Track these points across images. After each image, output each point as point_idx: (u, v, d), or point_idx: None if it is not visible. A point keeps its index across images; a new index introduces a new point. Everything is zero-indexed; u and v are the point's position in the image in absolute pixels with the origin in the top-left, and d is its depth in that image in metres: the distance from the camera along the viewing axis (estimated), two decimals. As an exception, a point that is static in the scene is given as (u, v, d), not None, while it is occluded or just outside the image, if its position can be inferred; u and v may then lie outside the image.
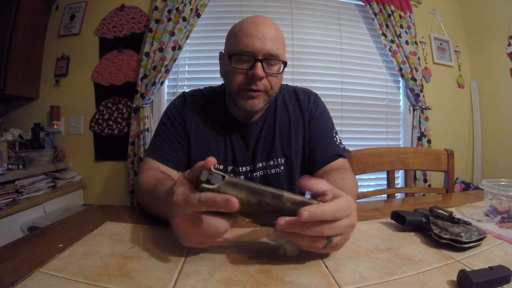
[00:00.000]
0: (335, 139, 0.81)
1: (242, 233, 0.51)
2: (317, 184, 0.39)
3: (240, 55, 0.66)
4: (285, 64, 0.70)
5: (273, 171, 0.78)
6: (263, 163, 0.78)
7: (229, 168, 0.78)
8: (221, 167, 0.77)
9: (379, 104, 2.05)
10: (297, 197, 0.36)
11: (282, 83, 0.89)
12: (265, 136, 0.79)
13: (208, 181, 0.35)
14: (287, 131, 0.80)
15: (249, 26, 0.67)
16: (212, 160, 0.37)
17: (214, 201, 0.34)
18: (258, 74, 0.65)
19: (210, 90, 0.85)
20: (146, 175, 0.66)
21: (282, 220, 0.35)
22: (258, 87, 0.68)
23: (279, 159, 0.79)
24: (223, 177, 0.35)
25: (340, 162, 0.77)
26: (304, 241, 0.38)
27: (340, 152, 0.78)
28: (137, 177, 0.74)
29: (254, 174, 0.78)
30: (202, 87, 0.87)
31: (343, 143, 0.83)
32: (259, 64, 0.65)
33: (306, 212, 0.34)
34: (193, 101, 0.81)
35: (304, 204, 0.36)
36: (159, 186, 0.53)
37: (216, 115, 0.80)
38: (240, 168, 0.78)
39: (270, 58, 0.67)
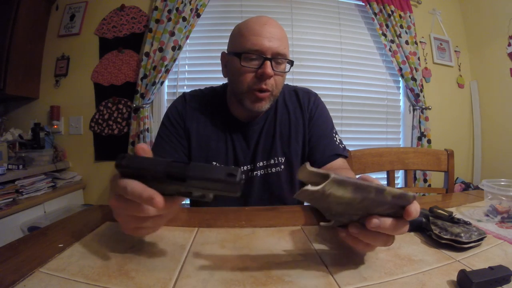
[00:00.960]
0: (335, 138, 0.81)
1: (242, 233, 0.51)
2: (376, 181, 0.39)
3: (248, 54, 0.67)
4: (291, 63, 0.72)
5: (273, 170, 0.78)
6: (264, 162, 0.79)
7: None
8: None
9: (379, 104, 2.05)
10: (397, 191, 0.35)
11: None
12: (265, 136, 0.79)
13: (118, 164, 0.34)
14: (287, 131, 0.80)
15: (256, 26, 0.68)
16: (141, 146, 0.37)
17: (139, 195, 0.32)
18: (268, 73, 0.66)
19: (211, 90, 0.86)
20: None
21: (377, 220, 0.35)
22: (267, 86, 0.68)
23: (279, 158, 0.79)
24: (326, 175, 0.31)
25: (339, 161, 0.77)
26: (379, 240, 0.37)
27: (340, 152, 0.79)
28: None
29: (254, 173, 0.78)
30: (202, 87, 0.87)
31: (343, 143, 0.83)
32: (268, 63, 0.66)
33: (414, 212, 0.35)
34: (194, 101, 0.81)
35: (401, 197, 0.35)
36: None
37: (217, 115, 0.80)
38: (241, 167, 0.78)
39: (277, 57, 0.68)
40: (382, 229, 0.36)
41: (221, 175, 0.32)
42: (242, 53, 0.67)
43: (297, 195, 0.32)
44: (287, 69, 0.72)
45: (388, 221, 0.36)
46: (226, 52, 0.76)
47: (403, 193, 0.35)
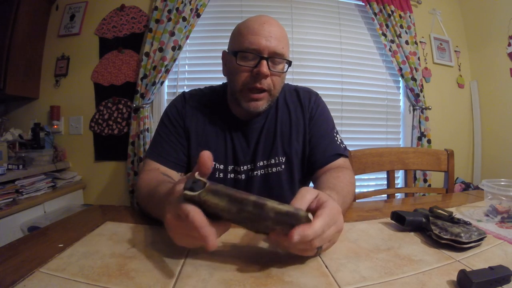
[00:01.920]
0: (336, 138, 0.81)
1: (242, 234, 0.51)
2: (302, 200, 0.40)
3: (245, 53, 0.67)
4: (289, 63, 0.71)
5: (274, 169, 0.78)
6: (264, 161, 0.78)
7: (230, 167, 0.78)
8: (222, 166, 0.77)
9: (379, 104, 2.04)
10: (282, 207, 0.34)
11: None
12: (266, 135, 0.79)
13: (191, 189, 0.34)
14: (288, 130, 0.80)
15: (255, 25, 0.67)
16: (206, 154, 0.36)
17: (195, 228, 0.33)
18: (263, 72, 0.65)
19: (211, 89, 0.86)
20: (145, 176, 0.66)
21: (273, 236, 0.38)
22: (262, 85, 0.68)
23: (280, 158, 0.79)
24: (205, 183, 0.34)
25: (340, 161, 0.77)
26: (295, 251, 0.39)
27: (340, 152, 0.78)
28: (137, 178, 0.74)
29: (255, 172, 0.78)
30: (202, 87, 0.87)
31: (344, 143, 0.83)
32: (264, 62, 0.66)
33: (297, 236, 0.34)
34: (193, 100, 0.81)
35: (288, 215, 0.34)
36: (159, 188, 0.53)
37: (217, 114, 0.80)
38: (241, 167, 0.78)
39: (275, 57, 0.67)
40: (281, 243, 0.38)
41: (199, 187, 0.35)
42: (239, 51, 0.67)
43: (180, 198, 0.34)
44: (285, 69, 0.71)
45: (280, 237, 0.37)
46: (227, 51, 0.76)
47: (291, 212, 0.34)
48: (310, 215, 0.36)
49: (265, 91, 0.69)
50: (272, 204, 0.34)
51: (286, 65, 0.71)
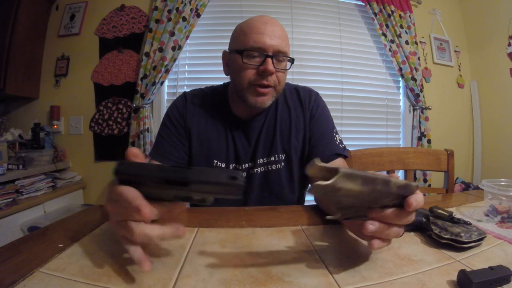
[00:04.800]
0: (335, 138, 0.81)
1: (242, 233, 0.51)
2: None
3: (250, 51, 0.68)
4: (292, 60, 0.74)
5: (273, 167, 0.79)
6: (264, 159, 0.79)
7: (231, 165, 0.78)
8: (223, 164, 0.78)
9: (379, 104, 2.05)
10: (401, 181, 0.36)
11: None
12: (266, 133, 0.79)
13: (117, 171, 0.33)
14: (288, 128, 0.81)
15: (258, 24, 0.69)
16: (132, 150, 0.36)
17: (129, 203, 0.32)
18: (270, 69, 0.67)
19: (212, 89, 0.86)
20: None
21: (387, 212, 0.37)
22: (269, 82, 0.69)
23: (279, 156, 0.79)
24: (335, 170, 0.32)
25: (339, 161, 0.77)
26: (391, 232, 0.37)
27: (339, 151, 0.79)
28: None
29: (255, 170, 0.78)
30: (203, 87, 0.88)
31: (344, 143, 0.83)
32: (269, 60, 0.67)
33: (415, 202, 0.35)
34: (194, 100, 0.81)
35: (406, 187, 0.36)
36: None
37: (218, 113, 0.80)
38: (242, 165, 0.78)
39: (279, 55, 0.69)
40: (387, 219, 0.37)
41: (223, 178, 0.32)
42: (244, 50, 0.68)
43: (310, 190, 0.33)
44: (288, 67, 0.74)
45: (389, 211, 0.37)
46: (228, 51, 0.77)
47: (407, 183, 0.36)
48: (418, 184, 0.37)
49: (271, 86, 0.71)
50: (394, 179, 0.35)
51: (289, 63, 0.74)
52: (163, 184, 0.32)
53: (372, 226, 0.36)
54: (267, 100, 0.72)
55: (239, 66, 0.70)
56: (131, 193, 0.33)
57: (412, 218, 0.38)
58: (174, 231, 0.35)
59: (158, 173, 0.32)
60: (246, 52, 0.68)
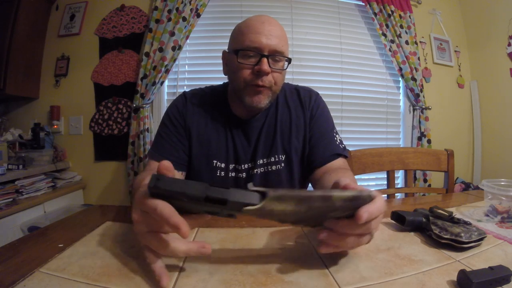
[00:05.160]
0: (335, 138, 0.81)
1: (242, 233, 0.51)
2: (356, 185, 0.39)
3: (246, 51, 0.68)
4: (289, 61, 0.72)
5: (273, 167, 0.78)
6: (264, 160, 0.79)
7: (231, 165, 0.78)
8: (223, 165, 0.78)
9: (379, 104, 2.04)
10: (347, 194, 0.34)
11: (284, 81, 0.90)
12: (266, 133, 0.79)
13: (156, 187, 0.33)
14: (288, 128, 0.81)
15: (255, 24, 0.69)
16: (164, 164, 0.35)
17: (165, 219, 0.32)
18: (264, 69, 0.67)
19: (211, 89, 0.86)
20: (140, 177, 0.66)
21: (334, 225, 0.36)
22: (264, 82, 0.69)
23: (280, 156, 0.79)
24: (263, 193, 0.33)
25: (339, 161, 0.77)
26: (350, 241, 0.37)
27: (339, 152, 0.79)
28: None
29: (255, 170, 0.78)
30: (203, 87, 0.88)
31: (344, 143, 0.83)
32: (265, 60, 0.67)
33: (365, 214, 0.34)
34: (194, 100, 0.81)
35: (356, 199, 0.35)
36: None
37: (218, 113, 0.80)
38: (242, 165, 0.78)
39: (275, 54, 0.69)
40: (340, 230, 0.36)
41: (257, 199, 0.33)
42: (240, 50, 0.68)
43: (244, 212, 0.33)
44: (285, 67, 0.72)
45: (342, 223, 0.36)
46: (227, 51, 0.77)
47: (356, 196, 0.35)
48: (372, 193, 0.36)
49: (267, 87, 0.70)
50: (337, 193, 0.34)
51: (286, 63, 0.72)
52: (200, 201, 0.33)
53: (323, 234, 0.36)
54: (263, 99, 0.71)
55: (235, 66, 0.70)
56: (167, 209, 0.33)
57: (371, 227, 0.37)
58: (200, 248, 0.35)
59: (197, 192, 0.33)
60: (242, 51, 0.68)
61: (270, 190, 0.33)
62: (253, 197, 0.33)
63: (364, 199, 0.35)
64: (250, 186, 0.34)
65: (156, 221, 0.34)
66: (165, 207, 0.33)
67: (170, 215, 0.32)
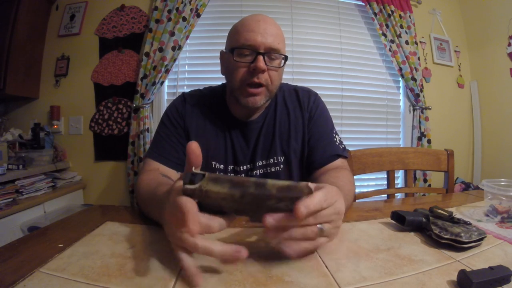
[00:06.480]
0: (335, 139, 0.81)
1: (242, 233, 0.51)
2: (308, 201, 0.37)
3: (242, 49, 0.68)
4: (285, 58, 0.72)
5: (273, 169, 0.78)
6: (263, 161, 0.79)
7: (230, 167, 0.78)
8: (222, 166, 0.77)
9: (379, 104, 2.04)
10: (282, 182, 0.34)
11: (282, 82, 0.90)
12: (265, 135, 0.79)
13: (191, 182, 0.35)
14: (287, 130, 0.80)
15: (250, 22, 0.69)
16: (193, 144, 0.37)
17: (182, 211, 0.33)
18: (260, 67, 0.66)
19: (210, 89, 0.86)
20: (145, 177, 0.66)
21: (270, 218, 0.34)
22: (260, 79, 0.68)
23: (278, 158, 0.79)
24: (203, 175, 0.35)
25: (339, 162, 0.77)
26: (297, 234, 0.36)
27: (339, 152, 0.78)
28: (137, 178, 0.74)
29: (254, 172, 0.78)
30: (202, 87, 0.88)
31: (343, 143, 0.83)
32: (260, 57, 0.67)
33: (302, 208, 0.33)
34: (193, 101, 0.81)
35: (290, 188, 0.34)
36: (158, 190, 0.52)
37: (216, 114, 0.80)
38: (241, 167, 0.78)
39: (271, 52, 0.68)
40: (280, 224, 0.35)
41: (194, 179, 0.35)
42: (235, 48, 0.68)
43: (181, 192, 0.34)
44: (281, 65, 0.72)
45: (280, 216, 0.35)
46: (224, 51, 0.77)
47: (290, 185, 0.34)
48: (310, 184, 0.36)
49: (263, 85, 0.70)
50: (272, 181, 0.34)
51: (283, 60, 0.72)
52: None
53: (269, 221, 0.34)
54: (259, 100, 0.71)
55: (232, 64, 0.70)
56: (189, 204, 0.34)
57: (317, 221, 0.36)
58: (235, 252, 0.34)
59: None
60: (238, 50, 0.68)
61: (209, 173, 0.35)
62: (188, 177, 0.35)
63: (301, 190, 0.35)
64: (194, 169, 0.36)
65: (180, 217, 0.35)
66: (187, 202, 0.34)
67: (187, 210, 0.33)
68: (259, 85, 0.69)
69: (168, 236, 0.38)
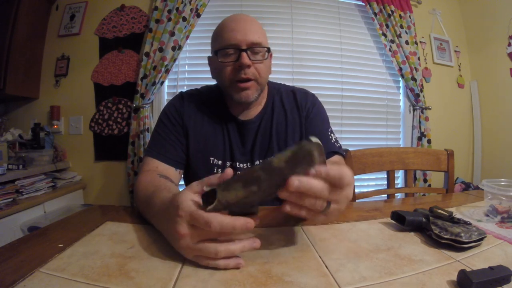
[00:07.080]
0: (330, 137, 0.81)
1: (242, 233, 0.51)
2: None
3: (225, 49, 0.70)
4: (268, 50, 0.74)
5: None
6: (261, 161, 0.79)
7: (227, 163, 0.79)
8: (220, 162, 0.79)
9: (379, 104, 2.04)
10: (286, 153, 0.33)
11: (281, 83, 0.90)
12: (262, 135, 0.80)
13: (209, 201, 0.36)
14: (284, 130, 0.81)
15: (229, 23, 0.72)
16: (228, 171, 0.39)
17: (233, 228, 0.36)
18: (245, 63, 0.68)
19: (207, 88, 0.88)
20: (143, 178, 0.66)
21: (296, 180, 0.34)
22: (247, 75, 0.70)
23: None
24: (215, 190, 0.35)
25: (336, 158, 0.78)
26: (307, 201, 0.37)
27: (335, 150, 0.79)
28: (136, 178, 0.74)
29: None
30: (198, 87, 0.89)
31: (343, 143, 0.84)
32: (244, 54, 0.69)
33: (296, 182, 0.34)
34: (191, 99, 0.82)
35: (296, 156, 0.33)
36: (156, 196, 0.51)
37: (214, 112, 0.81)
38: (238, 164, 0.79)
39: (253, 47, 0.70)
40: (298, 188, 0.35)
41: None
42: (219, 50, 0.70)
43: (208, 211, 0.36)
44: (266, 57, 0.73)
45: (302, 178, 0.35)
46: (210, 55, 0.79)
47: (295, 150, 0.33)
48: (314, 138, 0.35)
49: (252, 80, 0.71)
50: (276, 158, 0.33)
51: (267, 53, 0.73)
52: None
53: (295, 183, 0.34)
54: (251, 94, 0.72)
55: (218, 66, 0.72)
56: (226, 219, 0.36)
57: (319, 205, 0.37)
58: (252, 244, 0.39)
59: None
60: (221, 51, 0.70)
61: (216, 186, 0.35)
62: (205, 199, 0.37)
63: (307, 151, 0.34)
64: (205, 188, 0.38)
65: (207, 232, 0.36)
66: (222, 218, 0.35)
67: (232, 221, 0.36)
68: (248, 79, 0.71)
69: (180, 248, 0.39)
